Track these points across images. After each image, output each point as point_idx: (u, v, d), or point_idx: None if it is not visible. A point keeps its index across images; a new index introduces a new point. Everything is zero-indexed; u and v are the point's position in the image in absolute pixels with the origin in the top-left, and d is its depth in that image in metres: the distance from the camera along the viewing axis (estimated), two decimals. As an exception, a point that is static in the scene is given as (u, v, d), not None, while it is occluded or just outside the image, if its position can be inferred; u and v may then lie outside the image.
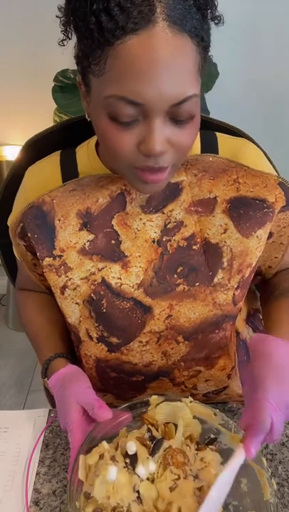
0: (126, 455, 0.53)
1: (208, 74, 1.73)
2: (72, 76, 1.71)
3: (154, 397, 0.60)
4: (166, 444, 0.54)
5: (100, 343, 0.67)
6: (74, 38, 0.52)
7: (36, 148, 0.72)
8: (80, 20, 0.47)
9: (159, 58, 0.45)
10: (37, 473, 0.64)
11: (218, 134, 0.69)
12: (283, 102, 1.98)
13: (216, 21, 0.51)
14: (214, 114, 0.74)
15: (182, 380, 0.69)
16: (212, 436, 0.58)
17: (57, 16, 0.50)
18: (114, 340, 0.66)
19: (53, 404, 0.89)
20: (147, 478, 0.52)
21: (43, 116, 1.81)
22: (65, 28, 0.51)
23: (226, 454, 0.57)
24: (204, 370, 0.68)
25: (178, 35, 0.45)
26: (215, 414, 0.58)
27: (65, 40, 0.52)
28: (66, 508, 0.58)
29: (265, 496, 0.52)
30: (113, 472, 0.50)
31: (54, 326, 0.76)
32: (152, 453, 0.53)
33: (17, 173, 0.73)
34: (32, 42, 1.86)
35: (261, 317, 0.81)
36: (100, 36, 0.46)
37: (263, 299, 0.80)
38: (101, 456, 0.53)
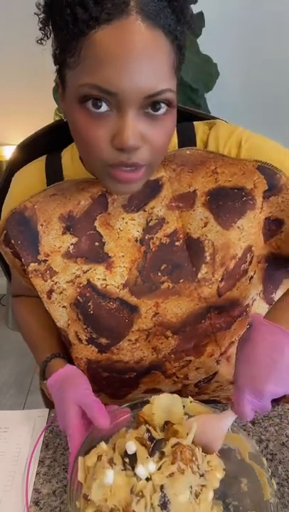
0: (125, 455, 0.53)
1: (208, 74, 1.73)
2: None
3: (155, 397, 0.60)
4: (173, 440, 0.53)
5: (90, 345, 0.67)
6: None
7: (30, 150, 0.72)
8: (57, 15, 0.48)
9: (132, 47, 0.46)
10: (37, 473, 0.64)
11: (195, 123, 0.68)
12: (283, 102, 1.98)
13: (190, 29, 0.51)
14: (214, 114, 0.74)
15: (173, 371, 0.70)
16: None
17: (35, 13, 0.51)
18: (103, 340, 0.67)
19: (48, 405, 0.89)
20: (146, 479, 0.52)
21: (43, 116, 1.80)
22: (44, 26, 0.51)
23: (225, 454, 0.57)
24: (194, 359, 0.69)
25: (151, 28, 0.46)
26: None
27: (43, 39, 0.52)
28: (66, 508, 0.58)
29: (265, 496, 0.52)
30: (110, 476, 0.50)
31: (48, 328, 0.76)
32: (152, 453, 0.53)
33: (11, 175, 0.73)
34: (32, 42, 1.86)
35: None
36: (75, 27, 0.46)
37: None
38: (99, 458, 0.53)
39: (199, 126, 0.67)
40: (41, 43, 0.52)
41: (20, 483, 0.62)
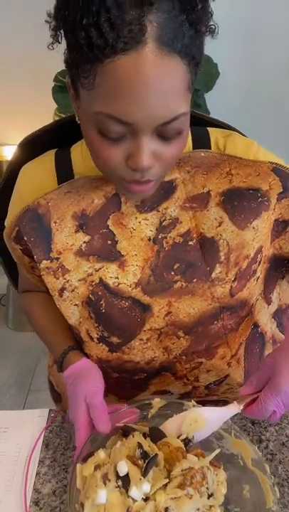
0: (117, 476, 0.51)
1: (208, 74, 1.73)
2: (72, 76, 1.71)
3: (157, 399, 0.60)
4: (185, 464, 0.52)
5: (101, 344, 0.67)
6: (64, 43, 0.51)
7: (31, 147, 0.72)
8: (70, 32, 0.47)
9: (147, 80, 0.45)
10: (37, 473, 0.64)
11: (210, 130, 0.69)
12: (283, 102, 1.98)
13: (211, 35, 0.51)
14: (214, 114, 0.74)
15: (184, 373, 0.70)
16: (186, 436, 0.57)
17: (46, 21, 0.49)
18: (114, 339, 0.66)
19: (55, 398, 0.90)
20: (143, 499, 0.50)
21: (43, 116, 1.80)
22: (55, 32, 0.50)
23: (228, 460, 0.57)
24: (205, 361, 0.68)
25: (167, 56, 0.45)
26: None
27: (54, 43, 0.51)
28: (66, 508, 0.58)
29: (267, 503, 0.51)
30: (102, 496, 0.49)
31: (60, 321, 0.75)
32: (145, 473, 0.50)
33: (13, 173, 0.73)
34: (32, 42, 1.86)
35: None
36: (90, 51, 0.45)
37: None
38: (96, 468, 0.52)
39: (213, 133, 0.68)
40: (52, 48, 0.52)
41: (20, 483, 0.62)
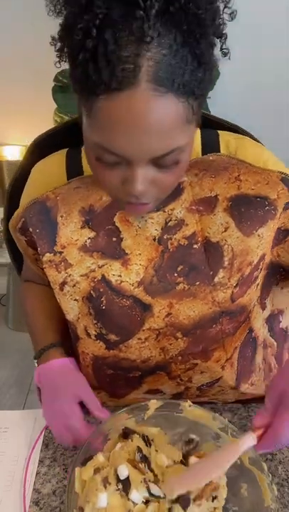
0: (118, 480, 0.51)
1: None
2: (72, 76, 1.71)
3: (153, 401, 0.60)
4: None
5: (98, 341, 0.67)
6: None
7: (42, 148, 0.73)
8: (70, 62, 0.47)
9: (139, 120, 0.45)
10: (37, 473, 0.64)
11: (220, 133, 0.69)
12: (284, 102, 1.99)
13: (224, 53, 0.50)
14: (214, 114, 0.74)
15: (178, 373, 0.70)
16: (192, 437, 0.57)
17: (50, 43, 0.49)
18: (112, 337, 0.67)
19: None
20: (144, 502, 0.51)
21: (43, 117, 1.81)
22: (60, 54, 0.49)
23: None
24: (200, 363, 0.68)
25: (161, 96, 0.44)
26: (214, 418, 0.58)
27: (60, 61, 0.50)
28: (66, 508, 0.58)
29: (265, 501, 0.51)
30: (103, 499, 0.49)
31: (53, 318, 0.76)
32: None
33: (24, 173, 0.74)
34: (32, 42, 1.86)
35: (281, 319, 0.80)
36: (86, 85, 0.45)
37: None
38: (96, 471, 0.52)
39: (224, 136, 0.68)
40: (59, 66, 0.51)
41: (20, 483, 0.62)
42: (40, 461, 0.66)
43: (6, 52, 1.92)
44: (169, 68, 0.43)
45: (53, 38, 0.48)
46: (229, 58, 0.50)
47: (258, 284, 0.69)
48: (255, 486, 0.54)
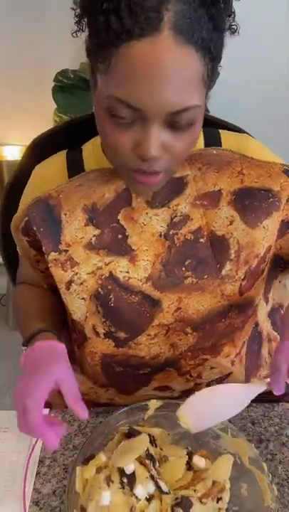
0: (123, 474, 0.51)
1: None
2: (72, 76, 1.71)
3: (153, 401, 0.60)
4: (209, 480, 0.53)
5: (107, 339, 0.67)
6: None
7: (42, 148, 0.73)
8: (91, 17, 0.48)
9: (160, 67, 0.45)
10: (37, 473, 0.64)
11: (221, 131, 0.69)
12: (284, 102, 1.98)
13: (232, 30, 0.51)
14: (214, 114, 0.74)
15: (188, 369, 0.70)
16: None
17: (72, 8, 0.50)
18: (121, 335, 0.66)
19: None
20: (146, 499, 0.51)
21: (43, 117, 1.81)
22: (79, 19, 0.50)
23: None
24: (210, 358, 0.69)
25: (182, 45, 0.45)
26: None
27: (78, 31, 0.51)
28: (66, 508, 0.58)
29: (265, 501, 0.52)
30: (106, 498, 0.49)
31: (44, 313, 0.72)
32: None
33: (23, 173, 0.73)
34: (32, 42, 1.86)
35: (282, 312, 0.80)
36: (106, 36, 0.46)
37: None
38: (98, 470, 0.52)
39: (225, 134, 0.69)
40: (76, 36, 0.52)
41: (20, 483, 0.62)
42: (40, 461, 0.66)
43: (6, 52, 1.92)
44: (189, 21, 0.45)
45: (75, 2, 0.49)
46: (238, 33, 0.52)
47: (263, 278, 0.69)
48: (255, 485, 0.54)
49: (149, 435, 0.57)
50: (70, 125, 0.73)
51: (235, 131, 0.72)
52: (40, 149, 0.73)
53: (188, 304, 0.64)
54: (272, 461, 0.64)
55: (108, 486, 0.50)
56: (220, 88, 1.98)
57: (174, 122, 0.50)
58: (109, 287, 0.64)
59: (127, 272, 0.64)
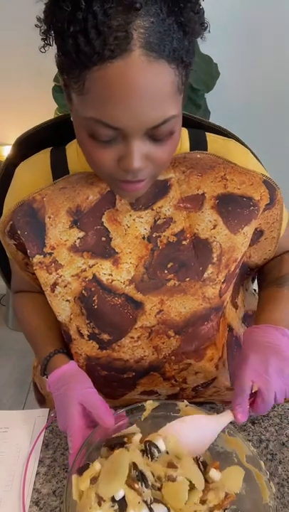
0: (113, 500, 0.49)
1: (208, 74, 1.73)
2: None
3: (150, 402, 0.60)
4: (222, 492, 0.53)
5: (91, 341, 0.68)
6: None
7: (28, 145, 0.72)
8: (59, 38, 0.47)
9: (135, 87, 0.45)
10: (37, 473, 0.64)
11: (207, 134, 0.69)
12: (283, 103, 1.98)
13: (203, 28, 0.50)
14: (214, 114, 0.74)
15: (172, 374, 0.70)
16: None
17: (36, 26, 0.49)
18: (105, 336, 0.67)
19: (40, 400, 0.90)
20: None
21: (44, 116, 1.79)
22: (46, 36, 0.50)
23: (222, 458, 0.57)
24: (194, 363, 0.69)
25: (154, 62, 0.45)
26: None
27: (45, 46, 0.51)
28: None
29: (264, 499, 0.52)
30: None
31: (50, 324, 0.76)
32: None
33: (9, 170, 0.73)
34: (32, 42, 1.86)
35: None
36: (78, 58, 0.46)
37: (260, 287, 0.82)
38: (93, 480, 0.51)
39: (210, 137, 0.69)
40: (44, 51, 0.52)
41: (20, 483, 0.62)
42: (40, 461, 0.66)
43: (6, 51, 1.92)
44: (159, 35, 0.44)
45: (39, 19, 0.48)
46: (209, 31, 0.51)
47: (235, 281, 0.71)
48: (253, 484, 0.54)
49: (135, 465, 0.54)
50: (55, 122, 0.72)
51: (223, 134, 0.72)
52: (24, 147, 0.72)
53: (170, 306, 0.65)
54: (272, 461, 0.64)
55: (99, 505, 0.48)
56: (220, 88, 1.97)
57: (153, 135, 0.50)
58: (93, 289, 0.65)
59: (110, 275, 0.65)
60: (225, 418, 0.56)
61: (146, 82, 0.45)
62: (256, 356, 0.58)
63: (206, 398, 0.77)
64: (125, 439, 0.56)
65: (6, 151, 2.08)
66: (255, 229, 0.69)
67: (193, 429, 0.56)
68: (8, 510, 0.59)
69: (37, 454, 0.67)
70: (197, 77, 1.66)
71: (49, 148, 0.70)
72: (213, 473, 0.54)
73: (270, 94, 1.97)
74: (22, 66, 1.94)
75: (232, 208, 0.65)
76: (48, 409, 0.75)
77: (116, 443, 0.56)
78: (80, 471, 0.53)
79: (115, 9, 0.43)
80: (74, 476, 0.52)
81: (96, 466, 0.52)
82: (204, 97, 1.78)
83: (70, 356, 0.71)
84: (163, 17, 0.44)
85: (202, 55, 1.70)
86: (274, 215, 0.70)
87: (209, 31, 0.50)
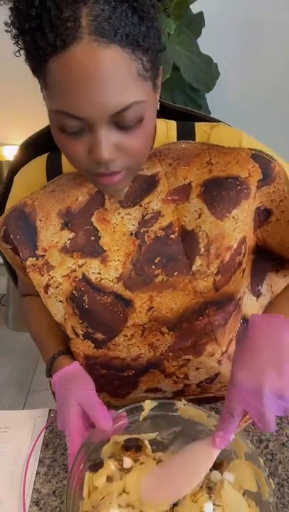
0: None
1: (208, 74, 1.73)
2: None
3: (148, 401, 0.60)
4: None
5: (87, 340, 0.68)
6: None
7: (33, 149, 0.73)
8: (20, 37, 0.49)
9: (87, 74, 0.46)
10: (37, 473, 0.64)
11: (196, 124, 0.68)
12: (283, 102, 1.98)
13: (167, 14, 0.51)
14: (214, 114, 0.74)
15: (172, 370, 0.70)
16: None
17: (6, 31, 0.50)
18: (99, 336, 0.67)
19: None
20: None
21: (44, 117, 1.79)
22: (16, 40, 0.51)
23: (221, 455, 0.57)
24: (193, 358, 0.68)
25: (105, 48, 0.45)
26: (209, 416, 0.58)
27: (19, 51, 0.52)
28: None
29: (263, 495, 0.52)
30: None
31: (56, 327, 0.76)
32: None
33: (14, 175, 0.74)
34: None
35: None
36: (37, 54, 0.47)
37: None
38: (109, 479, 0.53)
39: (200, 126, 0.68)
40: (19, 55, 0.53)
41: (20, 483, 0.62)
42: (40, 461, 0.66)
43: (6, 51, 1.92)
44: (110, 21, 0.45)
45: (6, 24, 0.49)
46: (172, 19, 0.51)
47: (244, 270, 0.68)
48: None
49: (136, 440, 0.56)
50: None
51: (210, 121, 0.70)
52: (30, 150, 0.73)
53: (160, 302, 0.64)
54: (272, 461, 0.64)
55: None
56: (220, 88, 1.97)
57: (119, 122, 0.50)
58: (83, 289, 0.65)
59: (99, 273, 0.65)
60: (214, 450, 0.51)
61: (98, 68, 0.46)
62: (247, 377, 0.48)
63: (215, 393, 0.76)
64: (140, 443, 0.58)
65: (6, 151, 2.08)
66: (258, 208, 0.64)
67: (181, 468, 0.53)
68: (8, 510, 0.59)
69: (37, 454, 0.67)
70: (197, 77, 1.66)
71: (46, 154, 0.71)
72: (214, 474, 0.54)
73: (270, 94, 1.97)
74: (22, 66, 1.94)
75: (217, 192, 0.62)
76: (48, 409, 0.75)
77: (132, 445, 0.57)
78: (95, 468, 0.54)
79: (66, 1, 0.44)
80: (87, 473, 0.53)
81: (110, 465, 0.54)
82: (205, 97, 1.78)
83: (74, 357, 0.71)
84: (114, 4, 0.45)
85: (202, 55, 1.70)
86: (278, 190, 0.63)
87: (167, 14, 0.51)
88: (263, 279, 0.75)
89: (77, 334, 0.68)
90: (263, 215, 0.66)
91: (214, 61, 1.75)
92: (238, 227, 0.63)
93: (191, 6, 1.62)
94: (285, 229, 0.67)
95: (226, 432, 0.50)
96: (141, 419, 0.60)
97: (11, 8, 0.48)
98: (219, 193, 0.62)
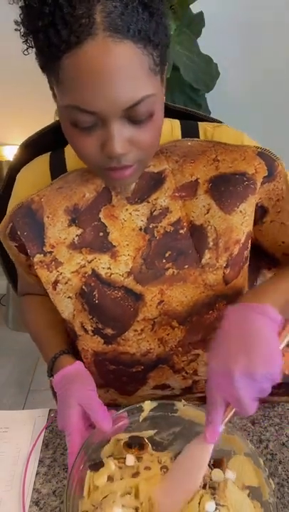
0: None
1: (208, 74, 1.73)
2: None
3: (148, 402, 0.60)
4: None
5: (96, 336, 0.68)
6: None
7: (33, 149, 0.73)
8: (33, 35, 0.50)
9: (102, 69, 0.47)
10: (37, 473, 0.64)
11: (200, 123, 0.69)
12: (283, 102, 1.98)
13: (173, 11, 0.52)
14: (214, 114, 0.74)
15: (182, 366, 0.70)
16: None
17: (15, 29, 0.52)
18: (109, 331, 0.67)
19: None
20: None
21: (44, 117, 1.79)
22: (26, 39, 0.52)
23: (221, 456, 0.57)
24: (202, 353, 0.69)
25: (119, 43, 0.46)
26: None
27: (27, 49, 0.53)
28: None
29: (263, 495, 0.52)
30: None
31: (55, 326, 0.76)
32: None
33: (13, 176, 0.74)
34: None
35: None
36: (49, 51, 0.48)
37: None
38: (110, 478, 0.53)
39: (203, 125, 0.69)
40: (27, 53, 0.53)
41: (20, 483, 0.62)
42: (40, 461, 0.66)
43: (6, 51, 1.92)
44: (122, 17, 0.46)
45: (16, 22, 0.51)
46: (173, 19, 0.51)
47: (248, 266, 0.69)
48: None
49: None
50: (58, 125, 0.73)
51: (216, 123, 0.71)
52: (30, 150, 0.73)
53: (170, 295, 0.65)
54: (272, 461, 0.64)
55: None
56: (220, 88, 1.97)
57: (132, 116, 0.51)
58: (93, 284, 0.65)
59: (109, 268, 0.65)
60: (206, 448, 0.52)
61: (111, 63, 0.47)
62: (218, 363, 0.50)
63: None
64: (142, 441, 0.58)
65: (6, 151, 2.08)
66: (256, 204, 0.66)
67: (182, 472, 0.54)
68: (8, 510, 0.59)
69: (37, 454, 0.67)
70: (197, 77, 1.66)
71: (48, 152, 0.71)
72: (216, 473, 0.54)
73: (270, 94, 1.97)
74: (22, 66, 1.94)
75: (224, 188, 0.64)
76: (48, 409, 0.75)
77: (135, 442, 0.57)
78: (96, 468, 0.54)
79: None
80: (88, 472, 0.54)
81: (111, 465, 0.54)
82: (204, 97, 1.78)
83: (76, 356, 0.71)
84: (126, 1, 0.46)
85: (202, 55, 1.70)
86: (276, 189, 0.66)
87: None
88: (257, 275, 0.77)
89: (86, 330, 0.68)
90: (259, 213, 0.68)
91: (214, 61, 1.75)
92: (245, 221, 0.64)
93: (191, 6, 1.63)
94: (278, 230, 0.69)
95: (214, 424, 0.51)
96: (141, 420, 0.60)
97: (21, 7, 0.49)
98: (227, 188, 0.64)
